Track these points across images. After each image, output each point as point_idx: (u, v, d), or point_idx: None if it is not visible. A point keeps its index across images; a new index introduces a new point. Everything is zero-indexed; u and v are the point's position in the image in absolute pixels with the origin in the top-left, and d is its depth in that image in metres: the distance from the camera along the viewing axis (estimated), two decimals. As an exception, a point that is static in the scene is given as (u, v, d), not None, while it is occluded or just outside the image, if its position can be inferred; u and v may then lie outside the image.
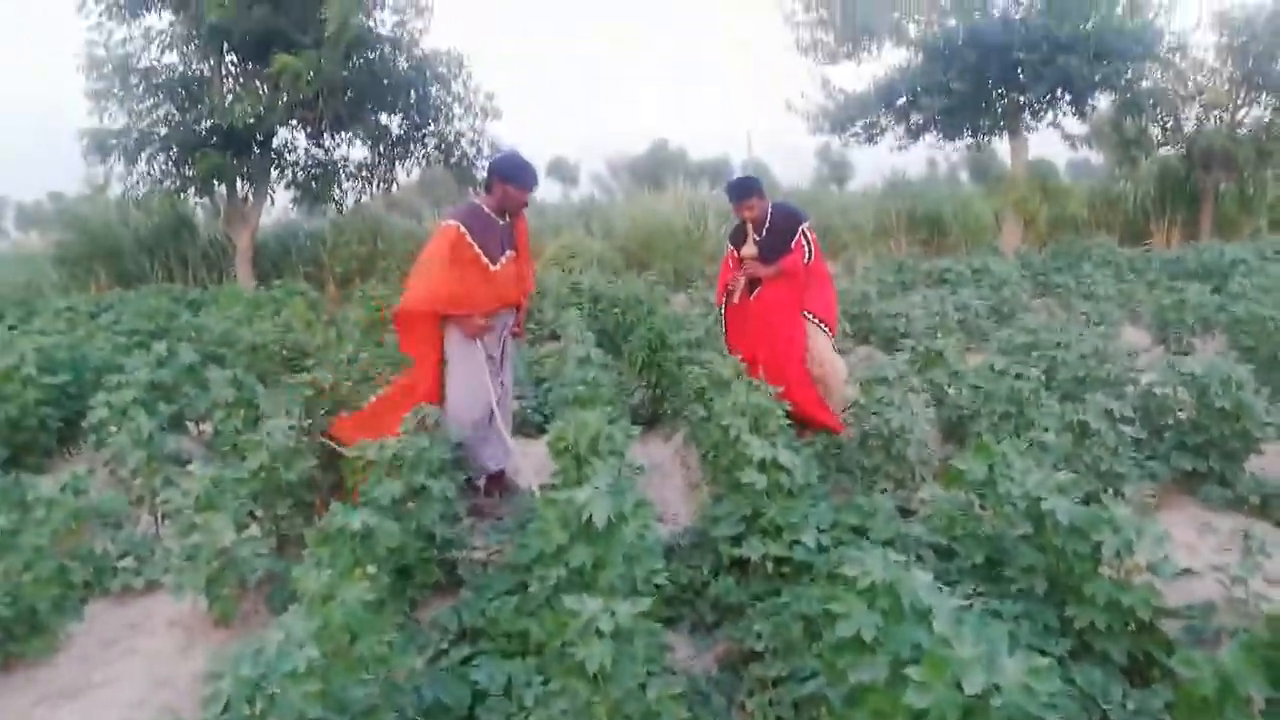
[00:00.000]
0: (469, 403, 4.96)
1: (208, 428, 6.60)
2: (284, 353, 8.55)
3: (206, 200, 16.51)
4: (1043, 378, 5.00)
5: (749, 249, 5.66)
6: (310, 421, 4.79)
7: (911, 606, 2.34)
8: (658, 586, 3.75)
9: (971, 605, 3.12)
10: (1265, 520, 4.07)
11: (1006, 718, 1.95)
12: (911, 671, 1.97)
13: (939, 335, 6.54)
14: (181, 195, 15.50)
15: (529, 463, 6.23)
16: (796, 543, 3.75)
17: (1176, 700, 2.05)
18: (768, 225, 5.65)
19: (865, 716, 2.09)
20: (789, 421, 4.76)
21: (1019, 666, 1.94)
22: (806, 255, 5.59)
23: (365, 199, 17.21)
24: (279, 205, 17.84)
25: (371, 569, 3.14)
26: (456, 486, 4.44)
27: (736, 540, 3.90)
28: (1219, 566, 3.39)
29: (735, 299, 5.75)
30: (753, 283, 5.70)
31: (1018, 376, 4.85)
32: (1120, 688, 2.67)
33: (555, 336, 10.58)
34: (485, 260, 4.94)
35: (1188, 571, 3.63)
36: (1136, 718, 2.55)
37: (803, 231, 5.59)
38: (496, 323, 5.13)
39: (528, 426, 7.03)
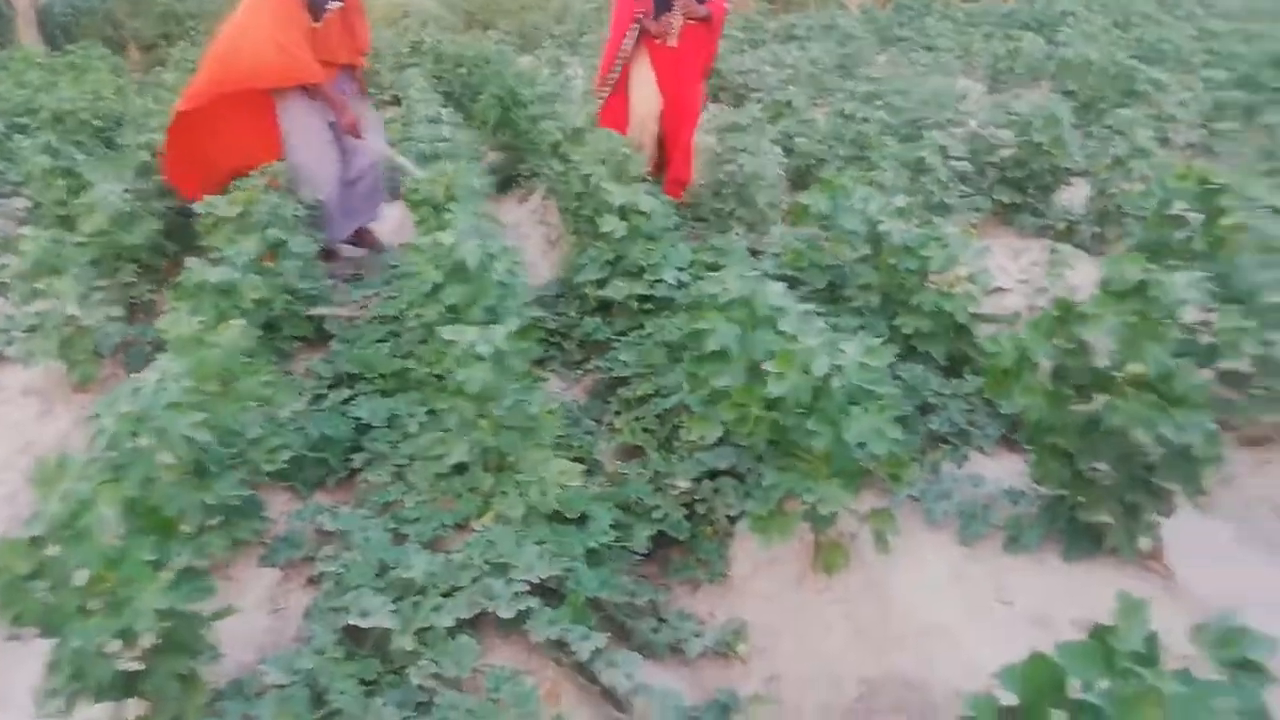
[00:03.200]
0: (314, 174, 4.69)
1: (18, 203, 6.11)
2: (95, 121, 7.82)
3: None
4: (887, 121, 5.22)
5: None
6: (147, 186, 4.51)
7: (764, 314, 2.58)
8: (534, 319, 3.93)
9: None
10: (1068, 243, 4.56)
11: (848, 394, 2.25)
12: (768, 365, 2.21)
13: (789, 89, 6.63)
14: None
15: (384, 225, 6.14)
16: (658, 281, 3.95)
17: (984, 375, 2.40)
18: None
19: (727, 410, 2.35)
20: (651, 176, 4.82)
21: (857, 350, 2.22)
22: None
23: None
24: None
25: (239, 322, 3.13)
26: (316, 245, 4.37)
27: (601, 284, 4.07)
28: (1026, 280, 3.83)
29: (673, 41, 5.01)
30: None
31: (863, 120, 5.05)
32: (939, 380, 3.07)
33: (397, 101, 10.03)
34: (308, 16, 4.45)
35: (999, 289, 4.08)
36: (952, 400, 2.96)
37: None
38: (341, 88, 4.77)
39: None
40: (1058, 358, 2.30)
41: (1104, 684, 1.22)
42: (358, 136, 4.67)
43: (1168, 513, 2.33)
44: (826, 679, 2.21)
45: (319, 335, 3.97)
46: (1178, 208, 3.12)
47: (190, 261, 3.29)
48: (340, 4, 4.57)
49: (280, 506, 2.89)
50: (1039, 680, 1.22)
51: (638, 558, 2.70)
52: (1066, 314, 2.30)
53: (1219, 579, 2.51)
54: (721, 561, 2.66)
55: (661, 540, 2.79)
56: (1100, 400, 2.30)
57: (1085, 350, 2.26)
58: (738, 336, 2.53)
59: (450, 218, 3.45)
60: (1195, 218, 3.14)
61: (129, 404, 2.23)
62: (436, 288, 2.96)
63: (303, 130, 4.60)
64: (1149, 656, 1.26)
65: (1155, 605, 2.24)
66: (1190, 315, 2.74)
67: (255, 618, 2.46)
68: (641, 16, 5.05)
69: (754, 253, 4.66)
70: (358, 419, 3.13)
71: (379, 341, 3.73)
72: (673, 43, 5.02)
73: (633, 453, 3.28)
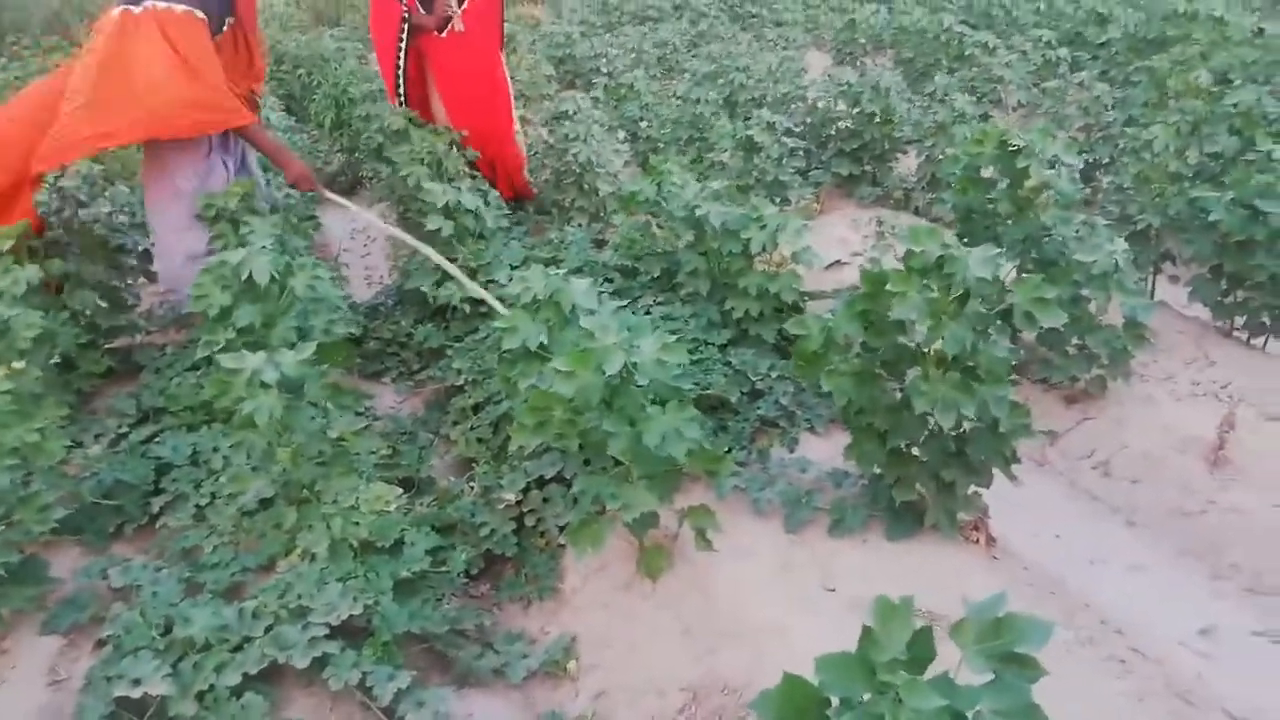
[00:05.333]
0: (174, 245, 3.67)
1: None
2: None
3: None
4: (721, 101, 5.17)
5: None
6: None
7: (572, 312, 2.46)
8: (356, 339, 3.72)
9: (649, 312, 3.36)
10: (906, 210, 4.60)
11: (649, 392, 2.15)
12: (556, 363, 2.09)
13: (634, 72, 6.52)
14: None
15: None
16: (490, 281, 3.80)
17: (795, 356, 2.34)
18: None
19: (529, 414, 2.22)
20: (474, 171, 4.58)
21: (654, 346, 2.12)
22: None
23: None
24: None
25: (19, 364, 2.84)
26: (123, 270, 4.03)
27: (434, 287, 3.89)
28: (859, 253, 3.83)
29: (460, 25, 4.52)
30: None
31: (698, 101, 4.98)
32: (769, 362, 3.02)
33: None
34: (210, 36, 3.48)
35: (838, 263, 4.08)
36: (779, 383, 2.91)
37: None
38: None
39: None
40: (868, 336, 2.25)
41: (865, 698, 1.15)
42: (311, 189, 3.92)
43: (986, 484, 2.32)
44: (653, 689, 2.12)
45: (129, 368, 3.67)
46: (987, 171, 3.14)
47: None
48: (233, 19, 3.62)
49: (71, 563, 2.63)
50: (795, 704, 1.13)
51: (467, 579, 2.57)
52: (876, 291, 2.25)
53: (1042, 542, 2.54)
54: (553, 575, 2.55)
55: (495, 556, 2.66)
56: (911, 376, 2.27)
57: (894, 327, 2.22)
58: (541, 337, 2.41)
59: (249, 232, 3.21)
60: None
61: None
62: (225, 311, 2.74)
63: (175, 189, 3.57)
64: (917, 661, 1.18)
65: (975, 578, 2.25)
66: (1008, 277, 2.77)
67: (32, 693, 2.22)
68: (408, 14, 4.47)
69: (599, 244, 4.54)
70: (159, 458, 2.88)
71: (191, 369, 3.46)
72: (460, 26, 4.52)
73: (469, 465, 3.14)
